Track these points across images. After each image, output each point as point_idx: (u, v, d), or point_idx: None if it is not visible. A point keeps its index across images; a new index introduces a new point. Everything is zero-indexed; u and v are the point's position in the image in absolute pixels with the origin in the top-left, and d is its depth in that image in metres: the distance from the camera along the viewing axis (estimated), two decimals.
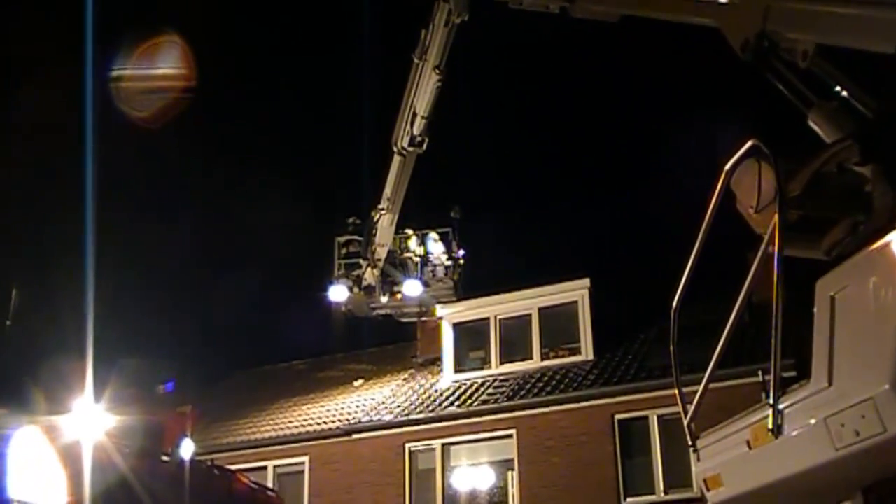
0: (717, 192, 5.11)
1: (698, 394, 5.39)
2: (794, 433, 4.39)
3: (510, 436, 17.19)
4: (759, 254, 4.73)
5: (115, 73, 17.89)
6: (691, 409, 5.44)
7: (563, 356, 18.43)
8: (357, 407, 19.75)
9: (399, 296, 20.82)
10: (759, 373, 4.82)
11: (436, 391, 19.07)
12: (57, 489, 9.53)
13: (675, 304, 5.63)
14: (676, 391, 5.65)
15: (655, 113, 35.72)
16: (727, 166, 5.06)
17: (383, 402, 19.32)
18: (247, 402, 22.19)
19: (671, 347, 5.84)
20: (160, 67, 18.34)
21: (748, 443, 4.73)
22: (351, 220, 21.61)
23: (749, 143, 4.88)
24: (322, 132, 40.21)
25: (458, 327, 19.85)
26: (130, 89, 18.27)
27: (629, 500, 15.93)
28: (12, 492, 9.34)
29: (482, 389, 18.23)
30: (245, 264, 35.78)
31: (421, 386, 19.80)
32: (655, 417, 15.83)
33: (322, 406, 20.60)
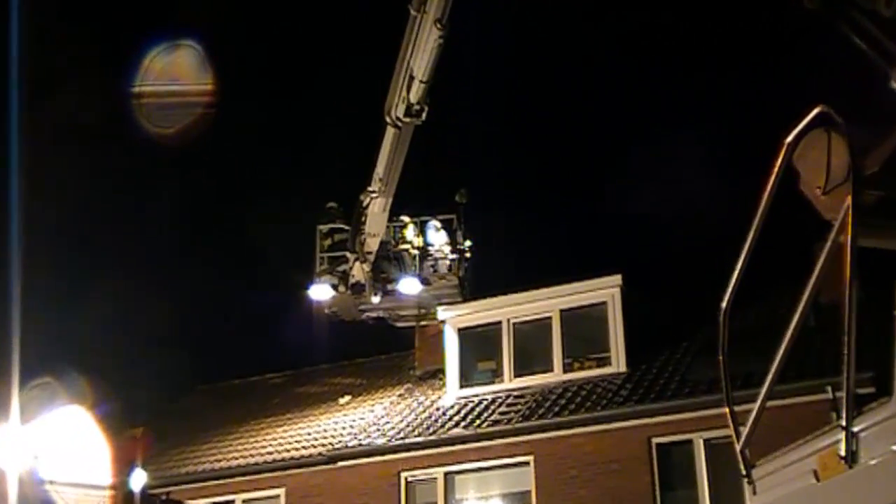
0: (775, 170, 5.05)
1: (754, 413, 5.34)
2: (873, 462, 4.34)
3: (527, 463, 17.17)
4: (828, 244, 4.67)
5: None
6: (745, 431, 5.39)
7: (589, 368, 18.40)
8: (343, 428, 19.74)
9: (394, 295, 20.81)
10: (829, 388, 4.76)
11: (437, 409, 19.06)
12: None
13: (724, 304, 5.58)
14: (727, 410, 5.62)
15: (694, 83, 35.65)
16: (789, 138, 4.99)
17: (375, 423, 19.31)
18: (210, 422, 22.17)
19: (720, 357, 5.79)
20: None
21: (815, 473, 4.68)
22: (330, 205, 21.54)
23: (816, 111, 4.80)
24: (302, 100, 40.16)
25: (464, 333, 19.81)
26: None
27: None
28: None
29: (493, 408, 18.21)
30: (208, 257, 35.82)
31: (420, 403, 19.80)
32: (701, 441, 15.79)
33: (301, 428, 20.62)
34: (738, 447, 5.43)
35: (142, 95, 19.81)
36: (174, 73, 19.73)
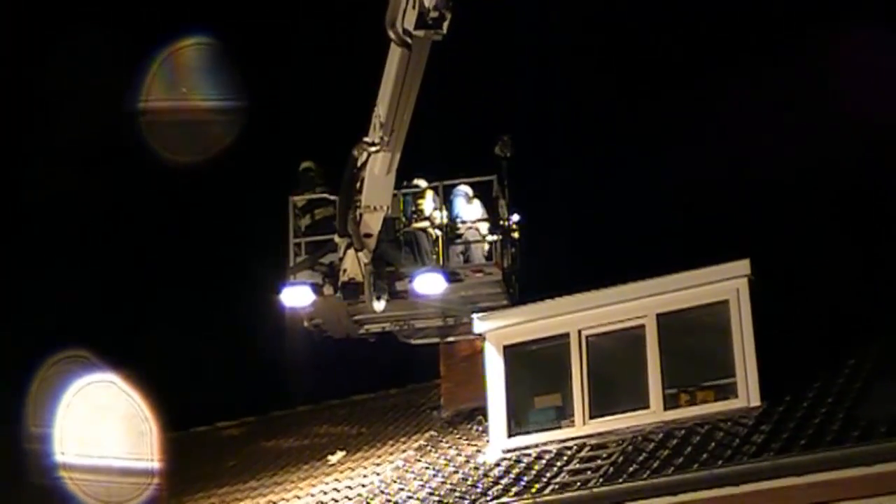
0: None
1: None
2: None
3: None
4: None
5: None
6: None
7: (704, 401, 18.32)
8: (335, 500, 19.85)
9: (406, 298, 20.64)
10: None
11: (477, 469, 19.06)
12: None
13: None
14: None
15: None
16: None
17: (383, 491, 19.34)
18: None
19: None
20: None
21: None
22: (306, 165, 21.40)
23: None
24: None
25: (513, 353, 19.78)
26: None
27: None
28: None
29: (559, 465, 18.15)
30: (141, 252, 36.17)
31: (450, 461, 19.84)
32: None
33: (271, 501, 20.75)
34: None
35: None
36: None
